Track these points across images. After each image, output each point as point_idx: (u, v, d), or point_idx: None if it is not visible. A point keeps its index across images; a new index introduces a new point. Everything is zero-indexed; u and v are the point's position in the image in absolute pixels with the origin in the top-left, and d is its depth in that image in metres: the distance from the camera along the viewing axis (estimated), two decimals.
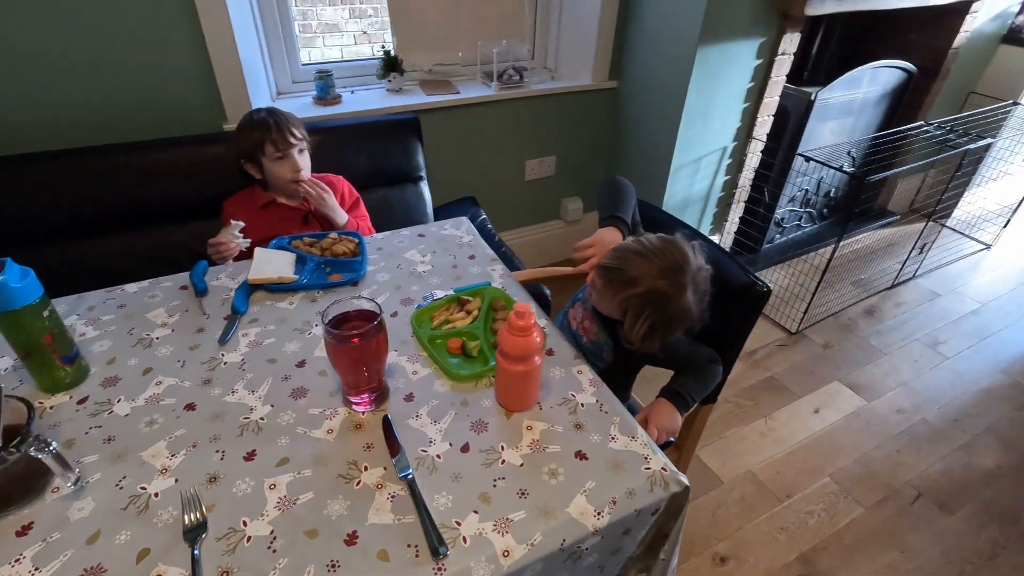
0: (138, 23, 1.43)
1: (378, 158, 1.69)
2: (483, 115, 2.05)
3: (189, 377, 0.87)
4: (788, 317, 2.28)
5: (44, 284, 0.79)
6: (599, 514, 0.70)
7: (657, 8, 1.97)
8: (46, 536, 0.65)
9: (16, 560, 0.62)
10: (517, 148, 2.22)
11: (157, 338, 0.94)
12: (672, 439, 1.09)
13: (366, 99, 1.91)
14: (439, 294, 1.06)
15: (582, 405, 0.85)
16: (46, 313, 0.78)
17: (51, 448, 0.65)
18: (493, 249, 1.35)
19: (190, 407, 0.82)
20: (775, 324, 2.29)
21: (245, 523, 0.67)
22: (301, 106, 1.82)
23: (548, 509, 0.70)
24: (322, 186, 1.39)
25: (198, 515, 0.67)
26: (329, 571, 0.62)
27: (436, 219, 1.82)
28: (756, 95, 2.13)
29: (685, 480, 0.75)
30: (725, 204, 2.41)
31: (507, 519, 0.68)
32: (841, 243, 2.08)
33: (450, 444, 0.78)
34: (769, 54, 2.03)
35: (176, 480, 0.72)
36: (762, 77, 2.08)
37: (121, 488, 0.70)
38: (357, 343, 0.75)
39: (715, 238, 2.50)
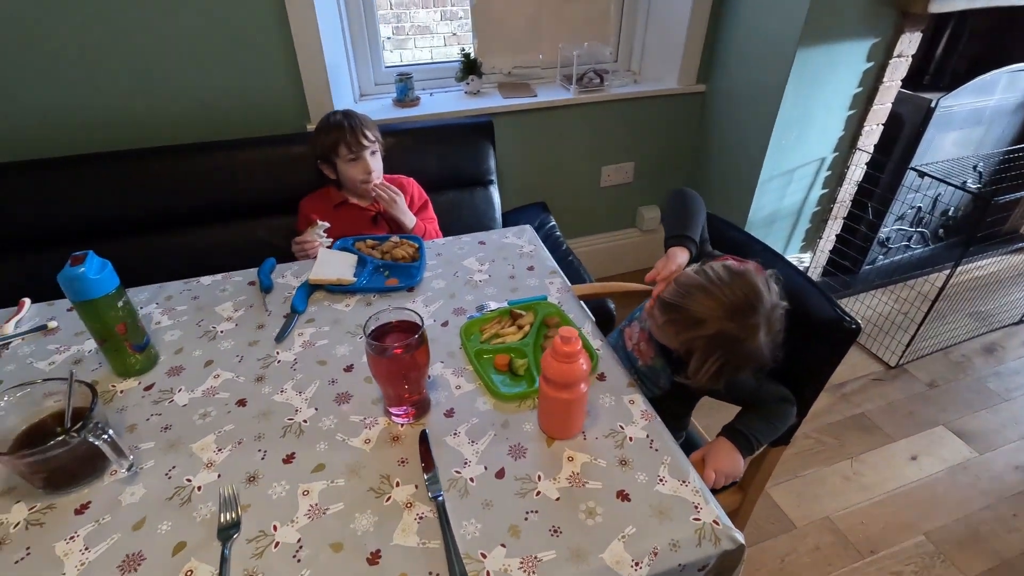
0: (232, 27, 1.52)
1: (450, 161, 1.69)
2: (560, 119, 2.01)
3: (244, 373, 0.90)
4: (887, 348, 2.04)
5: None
6: (637, 565, 0.64)
7: (754, 7, 1.83)
8: (99, 517, 0.69)
9: (71, 537, 0.66)
10: (593, 153, 2.15)
11: (221, 331, 0.98)
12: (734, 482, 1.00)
13: (443, 101, 1.92)
14: (492, 305, 1.03)
15: (630, 439, 0.78)
16: (120, 304, 0.83)
17: (107, 436, 0.68)
18: (559, 257, 1.31)
19: (241, 403, 0.84)
20: (871, 355, 2.06)
21: (275, 527, 0.67)
22: (381, 108, 1.86)
23: (581, 552, 0.65)
24: (393, 190, 1.41)
25: (233, 515, 0.68)
26: None
27: (504, 224, 1.80)
28: (864, 101, 1.92)
29: (740, 538, 0.67)
30: (820, 220, 2.20)
31: (536, 558, 0.64)
32: (959, 269, 1.83)
33: (485, 468, 0.74)
34: (883, 56, 1.83)
35: (219, 475, 0.74)
36: (872, 81, 1.88)
37: (169, 478, 0.73)
38: (398, 355, 0.74)
39: (806, 256, 2.30)
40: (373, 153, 1.43)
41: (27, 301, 1.04)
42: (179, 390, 0.87)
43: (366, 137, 1.39)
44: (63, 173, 1.41)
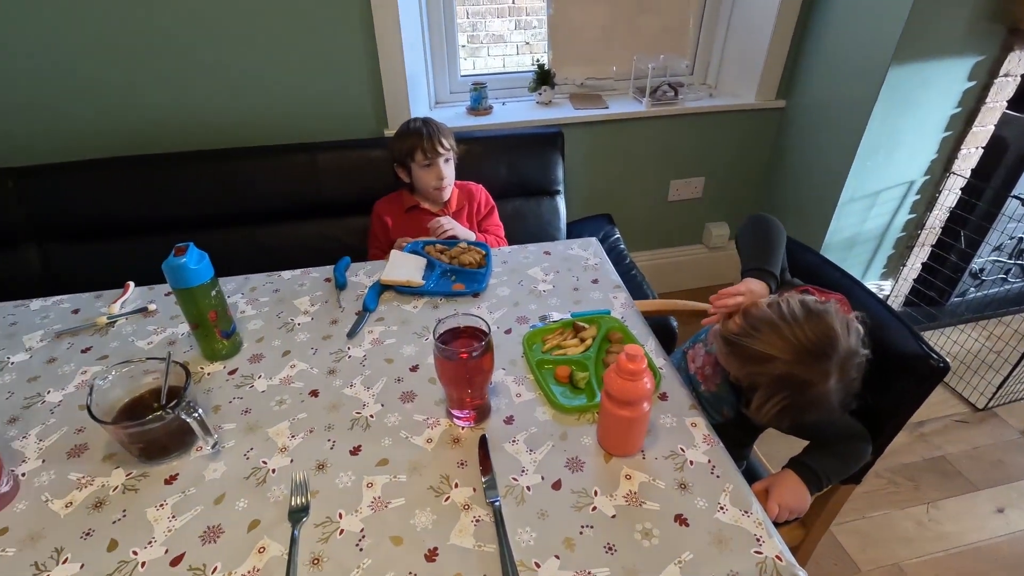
0: (323, 38, 1.61)
1: (518, 169, 1.71)
2: (631, 131, 1.99)
3: (318, 365, 0.95)
4: (974, 389, 1.89)
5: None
6: None
7: (844, 21, 1.75)
8: (185, 489, 0.74)
9: (161, 505, 0.72)
10: (663, 167, 2.12)
11: (298, 324, 1.04)
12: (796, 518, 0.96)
13: (515, 111, 1.95)
14: (555, 316, 1.04)
15: (691, 463, 0.77)
16: (213, 293, 0.90)
17: (197, 414, 0.74)
18: (623, 271, 1.30)
19: (314, 393, 0.89)
20: (955, 394, 1.92)
21: (341, 515, 0.71)
22: (454, 115, 1.91)
23: (635, 573, 0.64)
24: (446, 226, 1.42)
25: (303, 499, 0.72)
26: None
27: (569, 234, 1.81)
28: (962, 123, 1.80)
29: None
30: (905, 246, 2.07)
31: (589, 573, 0.64)
32: None
33: (542, 477, 0.75)
34: (986, 75, 1.71)
35: (291, 460, 0.78)
36: (973, 102, 1.76)
37: (247, 458, 0.78)
38: (464, 360, 0.76)
39: (887, 284, 2.17)
40: (447, 160, 1.47)
41: (131, 284, 1.14)
42: (259, 376, 0.93)
43: (442, 145, 1.44)
44: (166, 169, 1.53)
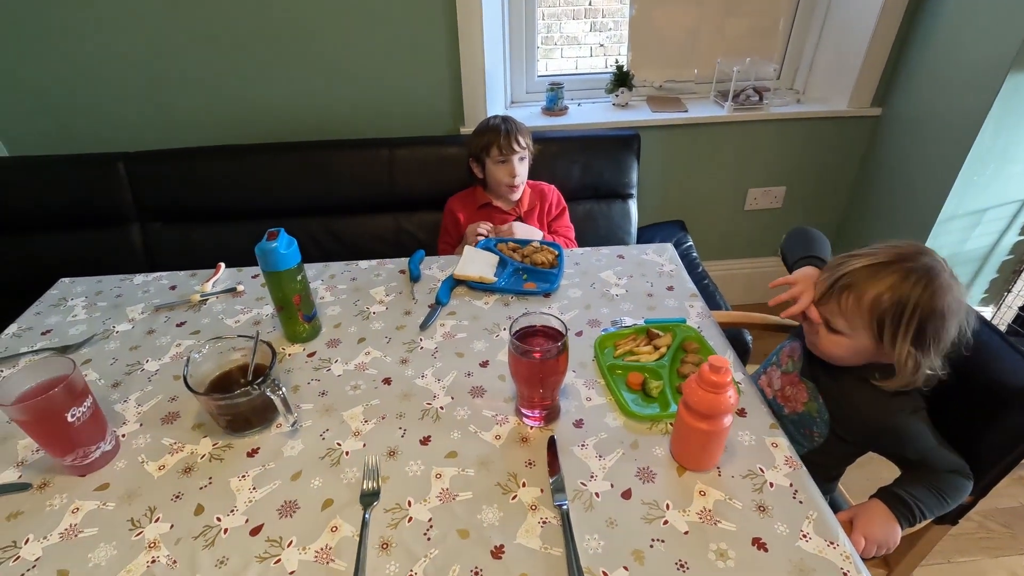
0: (407, 38, 1.66)
1: (592, 172, 1.69)
2: (710, 136, 1.93)
3: (391, 354, 0.97)
4: None
5: (304, 250, 0.95)
6: None
7: (956, 24, 1.62)
8: (266, 463, 0.78)
9: (243, 476, 0.76)
10: (741, 175, 2.04)
11: (374, 312, 1.07)
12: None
13: (591, 112, 1.93)
14: (628, 321, 1.02)
15: (771, 485, 0.73)
16: (299, 278, 0.94)
17: (281, 392, 0.77)
18: (695, 280, 1.26)
19: (387, 381, 0.91)
20: None
21: (410, 503, 0.72)
22: (529, 115, 1.91)
23: None
24: (506, 228, 1.43)
25: (375, 483, 0.74)
26: None
27: (639, 239, 1.77)
28: None
29: None
30: (1012, 271, 1.89)
31: None
32: None
33: (611, 485, 0.73)
34: None
35: (364, 445, 0.80)
36: None
37: (323, 439, 0.81)
38: (538, 359, 0.75)
39: (987, 310, 1.99)
40: (521, 159, 1.48)
41: (222, 265, 1.21)
42: (336, 361, 0.96)
43: (518, 143, 1.45)
44: (258, 158, 1.62)
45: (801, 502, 0.71)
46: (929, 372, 0.77)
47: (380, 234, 1.69)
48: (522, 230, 1.42)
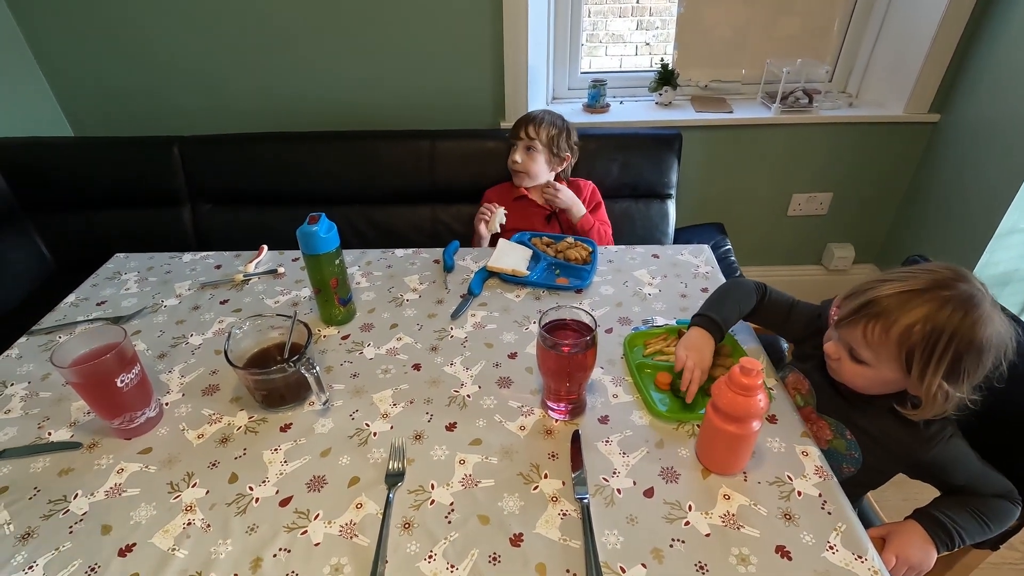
0: (453, 30, 1.67)
1: (632, 170, 1.68)
2: (755, 138, 1.88)
3: (422, 340, 0.99)
4: None
5: (343, 237, 0.98)
6: None
7: (1022, 32, 1.53)
8: (297, 438, 0.80)
9: (275, 449, 0.79)
10: (785, 179, 1.98)
11: (407, 299, 1.09)
12: None
13: (633, 110, 1.92)
14: (660, 321, 1.01)
15: (799, 493, 0.71)
16: (337, 262, 0.96)
17: (315, 371, 0.80)
18: None
19: (416, 367, 0.93)
20: None
21: (433, 486, 0.73)
22: (570, 112, 1.91)
23: None
24: (554, 186, 1.46)
25: (400, 465, 0.76)
26: (490, 562, 0.64)
27: (676, 241, 1.75)
28: None
29: None
30: None
31: None
32: None
33: (634, 483, 0.73)
34: None
35: (391, 427, 0.82)
36: None
37: (352, 419, 0.83)
38: (566, 352, 0.76)
39: None
40: (528, 148, 1.48)
41: (265, 248, 1.25)
42: (368, 344, 0.98)
43: (526, 131, 1.47)
44: (304, 146, 1.67)
45: (830, 513, 0.69)
46: (959, 397, 0.71)
47: (417, 224, 1.71)
48: (568, 195, 1.45)
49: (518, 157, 1.48)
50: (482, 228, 1.45)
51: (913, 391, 0.73)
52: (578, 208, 1.47)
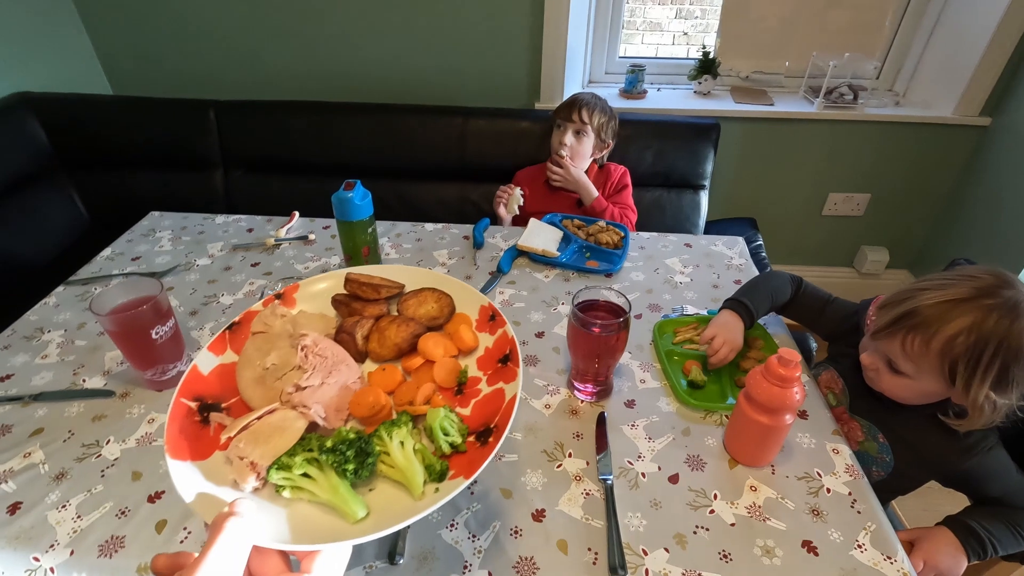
0: (495, 6, 1.65)
1: (665, 158, 1.65)
2: (794, 133, 1.84)
3: None
4: None
5: (375, 209, 0.97)
6: None
7: None
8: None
9: None
10: (823, 177, 1.94)
11: None
12: None
13: (670, 98, 1.88)
14: (690, 310, 0.99)
15: (828, 490, 0.70)
16: (369, 231, 0.96)
17: None
18: None
19: None
20: None
21: None
22: (606, 96, 1.86)
23: None
24: (564, 165, 1.41)
25: None
26: (511, 535, 0.64)
27: (706, 233, 1.71)
28: None
29: None
30: None
31: (699, 574, 0.61)
32: None
33: (659, 468, 0.72)
34: None
35: None
36: None
37: None
38: (598, 333, 0.75)
39: None
40: (578, 133, 1.44)
41: (296, 214, 1.25)
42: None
43: (579, 115, 1.42)
44: (337, 116, 1.67)
45: (859, 512, 0.67)
46: (1007, 406, 0.68)
47: (445, 201, 1.71)
48: (575, 176, 1.41)
49: (567, 140, 1.44)
50: (501, 211, 1.42)
51: (958, 401, 0.71)
52: (588, 193, 1.43)
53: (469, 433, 0.54)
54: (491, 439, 0.51)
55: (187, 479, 0.46)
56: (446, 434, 0.53)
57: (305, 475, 0.48)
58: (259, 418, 0.53)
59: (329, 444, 0.49)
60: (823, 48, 1.85)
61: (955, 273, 0.71)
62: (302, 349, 0.60)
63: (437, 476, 0.50)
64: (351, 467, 0.48)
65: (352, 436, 0.50)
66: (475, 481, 0.69)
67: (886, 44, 1.87)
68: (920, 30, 1.81)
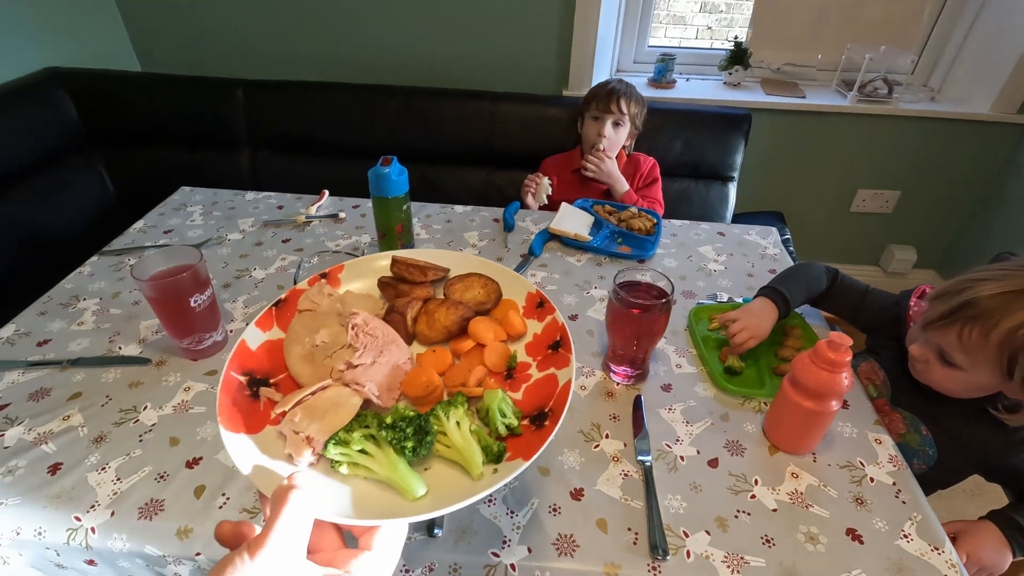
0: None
1: (694, 149, 1.63)
2: (825, 127, 1.81)
3: None
4: None
5: None
6: None
7: None
8: None
9: None
10: (852, 172, 1.90)
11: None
12: None
13: (700, 88, 1.86)
14: (724, 297, 0.98)
15: (871, 479, 0.69)
16: (404, 208, 0.96)
17: None
18: None
19: None
20: None
21: None
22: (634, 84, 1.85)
23: (795, 574, 0.59)
24: (598, 157, 1.40)
25: None
26: (550, 513, 0.64)
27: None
28: None
29: None
30: None
31: (742, 558, 0.60)
32: None
33: (698, 452, 0.71)
34: None
35: None
36: None
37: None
38: (638, 314, 0.74)
39: None
40: (616, 124, 1.42)
41: (327, 192, 1.25)
42: None
43: (618, 106, 1.40)
44: (365, 99, 1.66)
45: (905, 502, 0.66)
46: None
47: (470, 186, 1.70)
48: (609, 168, 1.39)
49: (606, 132, 1.42)
50: (529, 200, 1.41)
51: (1012, 395, 0.69)
52: (619, 185, 1.42)
53: (523, 417, 0.54)
54: (547, 423, 0.51)
55: (242, 451, 0.46)
56: (503, 416, 0.52)
57: (362, 452, 0.48)
58: (313, 393, 0.53)
59: (389, 420, 0.49)
60: (857, 40, 1.82)
61: (1013, 264, 0.69)
62: (352, 328, 0.59)
63: (494, 457, 0.49)
64: (410, 444, 0.47)
65: (411, 414, 0.49)
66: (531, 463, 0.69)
67: (923, 37, 1.83)
68: (959, 23, 1.77)
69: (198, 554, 0.61)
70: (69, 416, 0.73)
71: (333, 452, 0.47)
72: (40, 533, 0.62)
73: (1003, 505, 0.78)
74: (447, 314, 0.65)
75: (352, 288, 0.69)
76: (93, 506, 0.63)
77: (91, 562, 0.64)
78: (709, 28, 2.60)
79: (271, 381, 0.55)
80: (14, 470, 0.66)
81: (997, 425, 0.72)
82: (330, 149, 1.71)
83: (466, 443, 0.49)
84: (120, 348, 0.84)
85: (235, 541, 0.33)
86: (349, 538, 0.39)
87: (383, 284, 0.70)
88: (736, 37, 1.88)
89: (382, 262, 0.71)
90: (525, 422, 0.53)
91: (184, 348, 0.81)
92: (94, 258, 1.04)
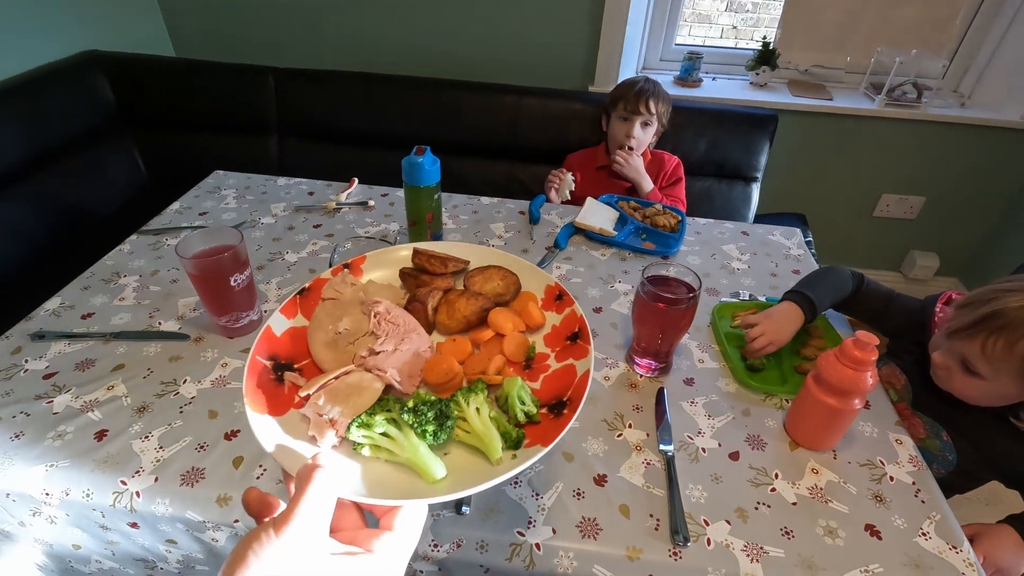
0: None
1: (718, 148, 1.63)
2: (852, 130, 1.80)
3: None
4: None
5: None
6: None
7: None
8: None
9: None
10: (877, 177, 1.89)
11: (492, 245, 1.10)
12: None
13: (726, 88, 1.85)
14: (747, 296, 0.99)
15: (891, 478, 0.70)
16: (435, 197, 0.98)
17: None
18: None
19: None
20: None
21: None
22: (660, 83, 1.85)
23: (815, 566, 0.60)
24: (625, 156, 1.41)
25: None
26: (574, 497, 0.66)
27: None
28: None
29: None
30: None
31: (761, 548, 0.61)
32: None
33: (719, 444, 0.73)
34: None
35: None
36: None
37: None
38: (664, 308, 0.75)
39: None
40: (645, 124, 1.43)
41: (356, 180, 1.28)
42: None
43: (647, 106, 1.41)
44: (393, 89, 1.68)
45: (924, 502, 0.67)
46: None
47: (492, 179, 1.72)
48: (635, 166, 1.41)
49: (636, 132, 1.43)
50: (552, 195, 1.43)
51: None
52: (645, 183, 1.43)
53: (541, 405, 0.55)
54: (566, 411, 0.52)
55: (267, 431, 0.48)
56: (522, 403, 0.54)
57: (384, 435, 0.49)
58: (336, 378, 0.54)
59: (411, 405, 0.50)
60: (888, 43, 1.80)
61: None
62: (375, 316, 0.61)
63: (513, 443, 0.51)
64: (431, 428, 0.49)
65: (432, 399, 0.50)
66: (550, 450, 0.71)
67: (955, 42, 1.81)
68: (992, 29, 1.74)
69: (236, 521, 0.63)
70: (113, 386, 0.76)
71: (356, 434, 0.48)
72: (88, 495, 0.65)
73: (1020, 511, 0.78)
74: (467, 304, 0.67)
75: (374, 278, 0.71)
76: (138, 471, 0.66)
77: (134, 525, 0.67)
78: (735, 27, 2.59)
79: (295, 366, 0.57)
80: (63, 435, 0.70)
81: (1017, 433, 0.72)
82: (356, 137, 1.73)
83: (485, 428, 0.50)
84: (160, 324, 0.87)
85: (259, 508, 0.34)
86: (370, 519, 0.40)
87: (404, 275, 0.72)
88: (764, 38, 1.87)
89: (403, 253, 0.72)
90: (543, 410, 0.54)
91: (221, 325, 0.84)
92: (133, 236, 1.07)
